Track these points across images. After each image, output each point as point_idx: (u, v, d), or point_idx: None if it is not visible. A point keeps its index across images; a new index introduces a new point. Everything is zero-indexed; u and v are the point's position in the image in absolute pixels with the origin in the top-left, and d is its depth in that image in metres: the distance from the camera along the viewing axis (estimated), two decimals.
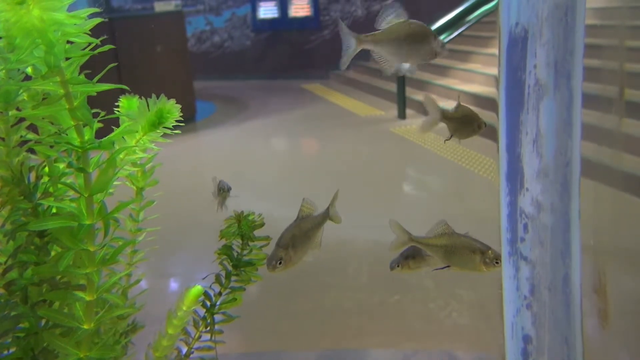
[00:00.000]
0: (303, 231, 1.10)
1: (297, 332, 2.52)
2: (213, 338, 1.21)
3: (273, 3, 10.91)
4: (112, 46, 0.82)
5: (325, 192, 1.22)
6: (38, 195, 0.92)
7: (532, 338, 0.72)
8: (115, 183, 0.98)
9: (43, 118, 0.89)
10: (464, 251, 1.12)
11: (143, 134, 1.09)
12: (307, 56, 10.73)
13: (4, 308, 0.89)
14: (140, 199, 1.21)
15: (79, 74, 0.81)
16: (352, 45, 1.07)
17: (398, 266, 1.23)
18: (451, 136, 1.14)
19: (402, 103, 6.73)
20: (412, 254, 1.23)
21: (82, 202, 0.84)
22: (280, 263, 1.05)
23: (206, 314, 1.21)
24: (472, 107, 1.14)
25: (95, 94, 0.82)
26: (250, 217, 1.19)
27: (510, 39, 0.67)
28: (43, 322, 0.93)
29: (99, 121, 0.86)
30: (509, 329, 0.73)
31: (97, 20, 0.78)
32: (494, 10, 6.50)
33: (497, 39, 0.70)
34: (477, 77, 6.87)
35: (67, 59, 0.79)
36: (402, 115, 6.73)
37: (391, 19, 1.04)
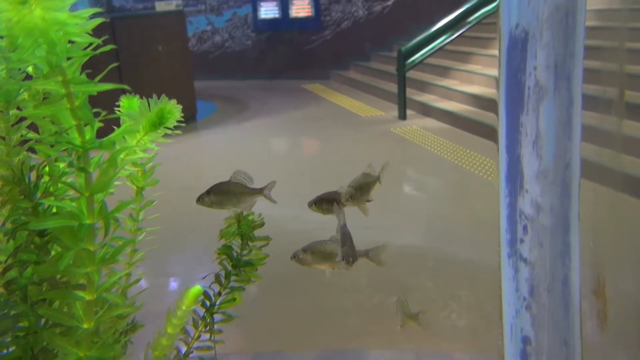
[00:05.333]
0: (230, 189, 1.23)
1: (295, 332, 2.52)
2: (212, 338, 1.21)
3: (274, 3, 10.91)
4: (113, 46, 0.82)
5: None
6: (38, 194, 0.93)
7: (531, 339, 0.72)
8: (115, 183, 0.98)
9: (44, 117, 0.90)
10: None
11: (144, 133, 1.09)
12: (307, 56, 10.74)
13: (4, 307, 0.89)
14: (141, 198, 1.22)
15: (80, 73, 0.81)
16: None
17: (315, 205, 1.23)
18: None
19: (403, 104, 6.74)
20: (327, 198, 1.23)
21: (83, 202, 0.85)
22: (199, 200, 1.22)
23: (205, 314, 1.21)
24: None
25: (96, 93, 0.82)
26: (250, 217, 1.19)
27: (511, 41, 0.67)
28: (43, 321, 0.93)
29: (99, 121, 0.86)
30: (508, 330, 0.74)
31: (99, 20, 0.78)
32: (494, 12, 6.50)
33: (497, 41, 0.70)
34: (477, 78, 6.88)
35: (68, 58, 0.79)
36: (402, 115, 6.74)
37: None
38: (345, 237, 1.15)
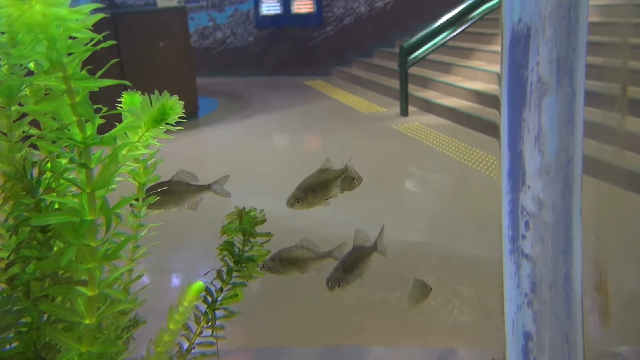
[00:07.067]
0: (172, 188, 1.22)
1: (298, 328, 2.52)
2: (214, 334, 1.22)
3: None
4: (114, 42, 0.82)
5: None
6: (40, 190, 0.93)
7: (532, 335, 0.72)
8: (117, 179, 0.98)
9: (45, 113, 0.89)
10: None
11: (145, 130, 1.09)
12: (309, 52, 10.73)
13: (7, 303, 0.89)
14: (142, 194, 1.22)
15: (81, 69, 0.81)
16: None
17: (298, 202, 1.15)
18: None
19: (405, 100, 6.73)
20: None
21: (84, 198, 0.85)
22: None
23: (207, 310, 1.21)
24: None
25: (97, 89, 0.82)
26: (252, 214, 1.19)
27: (513, 36, 0.66)
28: (45, 317, 0.93)
29: (101, 117, 0.86)
30: (510, 326, 0.74)
31: (100, 15, 0.78)
32: (497, 8, 6.47)
33: (500, 36, 0.70)
34: (480, 74, 6.86)
35: (69, 54, 0.79)
36: (404, 112, 6.72)
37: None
38: (342, 262, 1.11)
